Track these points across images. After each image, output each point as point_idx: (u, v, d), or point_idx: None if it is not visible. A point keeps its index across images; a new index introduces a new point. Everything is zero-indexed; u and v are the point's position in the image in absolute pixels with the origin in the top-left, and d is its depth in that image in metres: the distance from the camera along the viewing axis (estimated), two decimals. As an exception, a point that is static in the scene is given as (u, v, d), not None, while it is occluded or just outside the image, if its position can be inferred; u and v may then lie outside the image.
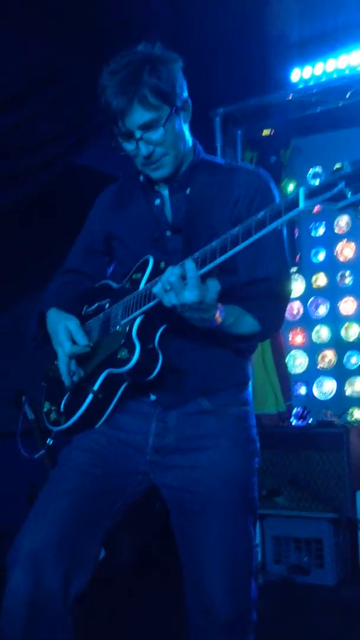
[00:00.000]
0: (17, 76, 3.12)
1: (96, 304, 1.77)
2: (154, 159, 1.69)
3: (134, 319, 1.61)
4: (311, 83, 4.03)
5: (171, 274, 1.47)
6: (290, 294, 1.78)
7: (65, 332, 1.70)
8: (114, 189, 1.93)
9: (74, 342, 1.69)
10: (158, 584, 3.28)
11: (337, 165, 1.31)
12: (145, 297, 1.59)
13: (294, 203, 1.34)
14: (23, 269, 4.13)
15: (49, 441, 1.82)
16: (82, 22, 3.27)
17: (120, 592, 3.25)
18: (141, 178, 1.81)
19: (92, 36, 3.28)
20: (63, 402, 1.76)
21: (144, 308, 1.58)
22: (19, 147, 3.23)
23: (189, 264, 1.46)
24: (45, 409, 1.80)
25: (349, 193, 1.27)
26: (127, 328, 1.61)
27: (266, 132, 4.25)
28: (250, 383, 1.82)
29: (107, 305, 1.76)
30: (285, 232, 1.78)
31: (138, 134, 1.65)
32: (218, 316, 1.53)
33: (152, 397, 1.71)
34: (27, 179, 3.29)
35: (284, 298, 1.74)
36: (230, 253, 1.43)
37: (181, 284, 1.45)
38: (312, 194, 1.31)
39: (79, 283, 1.93)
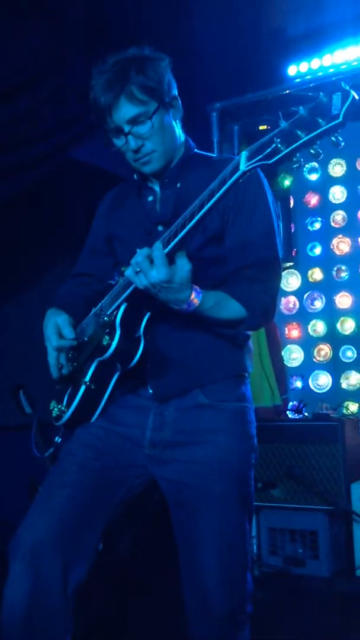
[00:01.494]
0: (16, 67, 3.11)
1: (100, 304, 1.80)
2: (142, 153, 1.72)
3: (118, 307, 1.66)
4: (307, 78, 4.03)
5: (138, 254, 1.52)
6: (279, 282, 1.77)
7: (54, 327, 1.74)
8: (114, 192, 1.98)
9: (61, 336, 1.73)
10: (155, 575, 3.31)
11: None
12: (125, 284, 1.64)
13: (236, 167, 1.42)
14: (22, 262, 4.15)
15: (57, 439, 1.84)
16: (81, 13, 3.27)
17: (117, 584, 3.28)
18: (135, 176, 1.85)
19: (91, 27, 3.28)
20: (65, 397, 1.80)
21: (124, 295, 1.64)
22: (18, 140, 3.23)
23: (156, 244, 1.51)
24: (51, 407, 1.83)
25: (282, 147, 1.35)
26: (113, 317, 1.66)
27: (263, 127, 4.25)
28: (248, 377, 1.83)
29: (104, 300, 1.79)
30: (280, 225, 1.80)
31: (127, 128, 1.69)
32: (194, 297, 1.55)
33: (150, 391, 1.74)
34: (26, 172, 3.29)
35: (272, 284, 1.74)
36: (188, 227, 1.48)
37: (148, 264, 1.50)
38: (252, 155, 1.40)
39: (86, 285, 1.97)
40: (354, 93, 1.30)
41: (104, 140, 1.77)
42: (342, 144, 1.42)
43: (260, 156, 1.37)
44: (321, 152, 1.41)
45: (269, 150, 1.36)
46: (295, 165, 1.44)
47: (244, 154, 1.41)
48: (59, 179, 3.60)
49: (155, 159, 1.74)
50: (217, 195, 1.44)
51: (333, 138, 1.36)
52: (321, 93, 1.32)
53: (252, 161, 1.39)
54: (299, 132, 1.33)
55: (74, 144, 3.41)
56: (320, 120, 1.31)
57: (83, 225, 2.06)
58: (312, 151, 1.39)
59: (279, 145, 1.35)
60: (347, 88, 1.31)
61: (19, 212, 3.80)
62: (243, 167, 1.40)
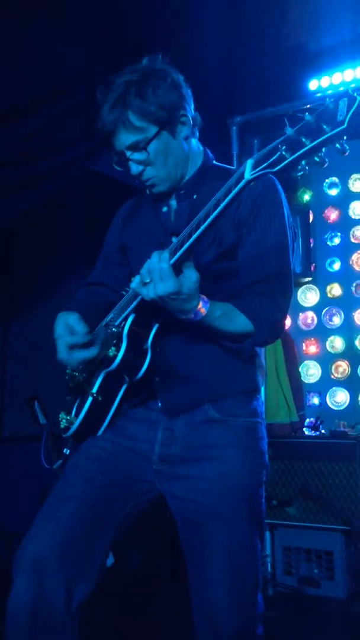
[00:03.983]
0: (37, 81, 3.14)
1: (109, 315, 1.79)
2: (144, 178, 1.73)
3: (126, 318, 1.65)
4: (329, 92, 4.02)
5: (145, 266, 1.49)
6: (289, 299, 1.73)
7: (64, 325, 1.69)
8: (130, 203, 1.97)
9: (73, 333, 1.68)
10: (166, 593, 3.27)
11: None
12: (133, 295, 1.63)
13: (241, 176, 1.39)
14: (40, 272, 4.16)
15: (66, 451, 1.83)
16: (102, 27, 3.29)
17: (127, 600, 3.24)
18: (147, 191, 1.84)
19: (112, 41, 3.30)
20: (74, 409, 1.78)
21: (132, 306, 1.63)
22: (39, 152, 3.24)
23: (163, 255, 1.47)
24: (60, 418, 1.81)
25: (287, 154, 1.32)
26: (120, 328, 1.64)
27: (283, 141, 4.24)
28: (261, 393, 1.80)
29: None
30: (299, 241, 1.77)
31: (127, 154, 1.70)
32: (201, 307, 1.52)
33: (159, 404, 1.72)
34: (45, 185, 3.30)
35: (282, 301, 1.69)
36: (194, 237, 1.45)
37: (156, 276, 1.47)
38: (257, 163, 1.37)
39: (100, 295, 1.95)
40: None
41: (114, 161, 1.78)
42: (348, 151, 1.37)
43: (265, 164, 1.35)
44: (327, 160, 1.37)
45: (274, 158, 1.33)
46: (300, 173, 1.40)
47: (249, 163, 1.38)
48: (79, 191, 3.62)
49: (158, 183, 1.74)
50: (222, 205, 1.42)
51: (338, 145, 1.32)
52: (327, 99, 1.29)
53: (257, 169, 1.36)
54: (304, 139, 1.29)
55: (93, 157, 3.43)
56: (325, 127, 1.27)
57: (101, 237, 2.06)
58: (316, 159, 1.36)
59: (284, 153, 1.32)
60: (354, 94, 1.27)
61: (38, 223, 3.81)
62: (248, 175, 1.37)
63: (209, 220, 1.43)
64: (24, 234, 3.94)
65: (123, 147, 1.69)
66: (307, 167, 1.39)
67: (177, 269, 1.47)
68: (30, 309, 4.10)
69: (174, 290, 1.46)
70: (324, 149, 1.32)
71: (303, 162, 1.35)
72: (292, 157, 1.31)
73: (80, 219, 4.06)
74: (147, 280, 1.49)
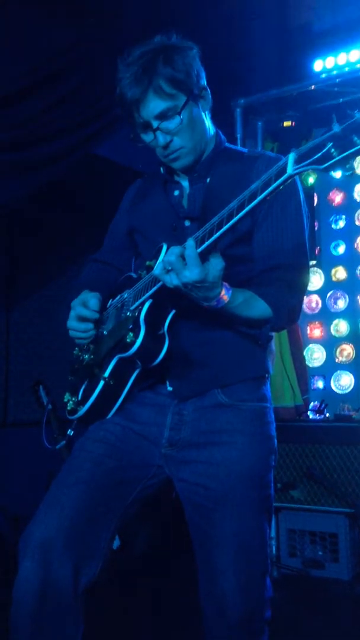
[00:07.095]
0: (36, 64, 3.10)
1: (119, 296, 1.78)
2: (172, 149, 1.69)
3: (143, 303, 1.62)
4: (334, 73, 3.97)
5: (170, 253, 1.47)
6: (306, 284, 1.73)
7: (80, 298, 1.74)
8: (138, 184, 1.94)
9: (85, 306, 1.71)
10: (173, 575, 3.29)
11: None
12: (152, 281, 1.60)
13: (282, 170, 1.34)
14: (44, 258, 4.15)
15: (70, 432, 1.83)
16: (101, 9, 3.25)
17: (133, 582, 3.27)
18: (162, 170, 1.82)
19: (112, 24, 3.26)
20: (81, 391, 1.77)
21: (150, 292, 1.60)
22: (38, 136, 3.22)
23: (189, 242, 1.45)
24: (65, 399, 1.80)
25: (336, 152, 1.27)
26: (137, 313, 1.62)
27: (287, 123, 4.20)
28: (269, 377, 1.79)
29: (126, 294, 1.77)
30: (306, 225, 1.75)
31: (155, 123, 1.65)
32: (224, 294, 1.51)
33: (169, 388, 1.71)
34: (45, 169, 3.28)
35: (299, 286, 1.69)
36: (225, 227, 1.42)
37: (181, 264, 1.45)
38: (300, 158, 1.32)
39: (106, 272, 1.94)
40: None
41: (131, 135, 1.73)
42: None
43: (310, 160, 1.30)
44: None
45: (320, 154, 1.29)
46: (348, 173, 1.36)
47: (291, 157, 1.33)
48: (81, 177, 3.60)
49: (185, 155, 1.70)
50: (259, 198, 1.37)
51: None
52: None
53: (302, 164, 1.31)
54: (355, 138, 1.25)
55: (94, 141, 3.40)
56: None
57: (103, 223, 2.05)
58: None
59: (332, 150, 1.27)
60: None
61: (41, 208, 3.80)
62: (290, 170, 1.32)
63: (244, 211, 1.40)
64: (25, 220, 3.93)
65: (151, 115, 1.64)
66: (355, 167, 1.36)
67: (202, 257, 1.45)
68: (32, 294, 4.09)
69: (199, 278, 1.44)
70: None
71: (352, 161, 1.30)
72: (342, 156, 1.27)
73: (82, 205, 4.04)
74: (170, 268, 1.47)
